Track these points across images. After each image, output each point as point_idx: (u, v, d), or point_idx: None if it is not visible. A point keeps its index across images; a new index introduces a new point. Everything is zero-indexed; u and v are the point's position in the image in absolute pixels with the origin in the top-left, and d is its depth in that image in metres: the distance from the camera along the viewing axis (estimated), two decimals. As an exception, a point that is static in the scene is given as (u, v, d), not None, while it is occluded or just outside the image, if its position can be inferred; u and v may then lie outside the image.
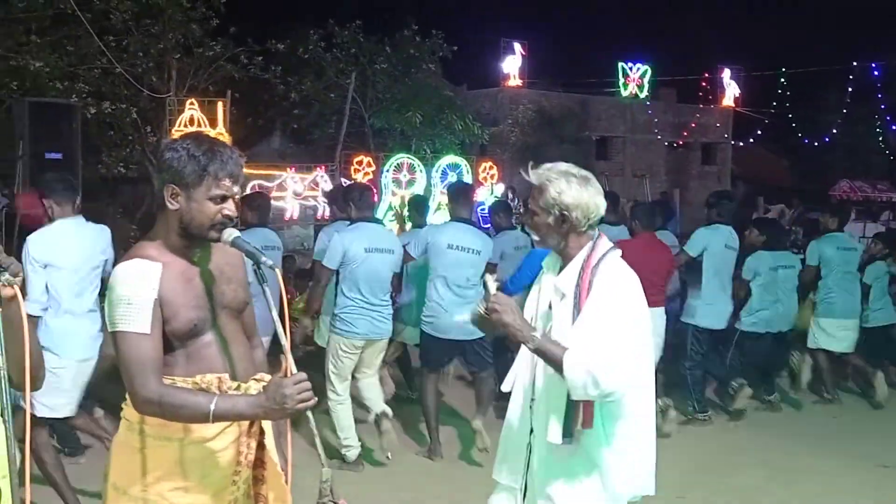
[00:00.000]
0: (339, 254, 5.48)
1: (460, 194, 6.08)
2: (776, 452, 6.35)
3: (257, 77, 17.33)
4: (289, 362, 2.29)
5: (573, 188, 2.73)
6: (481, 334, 4.73)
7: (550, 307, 2.82)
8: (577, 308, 2.69)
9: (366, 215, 5.71)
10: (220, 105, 14.75)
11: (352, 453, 5.63)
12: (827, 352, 7.72)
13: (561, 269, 2.84)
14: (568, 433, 2.69)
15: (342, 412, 5.63)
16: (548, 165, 2.81)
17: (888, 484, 5.74)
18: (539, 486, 2.82)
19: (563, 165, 2.81)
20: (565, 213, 2.73)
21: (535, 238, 2.88)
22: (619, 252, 2.82)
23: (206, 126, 14.26)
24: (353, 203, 5.72)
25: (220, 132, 14.53)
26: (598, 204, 2.76)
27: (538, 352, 2.69)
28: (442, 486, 5.44)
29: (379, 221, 6.14)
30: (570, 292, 2.73)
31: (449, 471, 5.75)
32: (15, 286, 1.99)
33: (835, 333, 7.66)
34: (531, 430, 2.86)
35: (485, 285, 2.79)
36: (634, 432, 2.78)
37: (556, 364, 2.65)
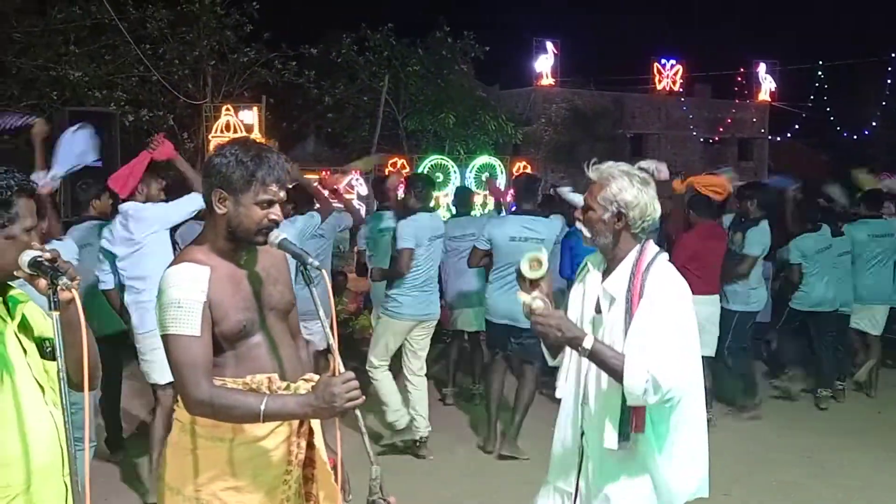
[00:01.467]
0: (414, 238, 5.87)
1: (524, 187, 6.27)
2: (817, 448, 6.31)
3: (291, 82, 17.45)
4: (337, 361, 2.32)
5: (634, 187, 2.73)
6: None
7: (598, 310, 2.81)
8: (630, 313, 2.68)
9: (425, 206, 6.06)
10: (255, 110, 14.92)
11: (401, 422, 5.83)
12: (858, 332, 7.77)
13: (606, 270, 2.84)
14: (625, 437, 2.69)
15: (385, 381, 5.88)
16: (609, 163, 2.81)
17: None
18: (594, 490, 2.82)
19: (624, 165, 2.81)
20: (623, 210, 2.72)
21: (586, 234, 2.84)
22: (666, 256, 2.81)
23: (242, 131, 14.44)
24: (414, 194, 6.01)
25: (256, 137, 14.69)
26: (656, 207, 2.76)
27: (592, 357, 2.69)
28: (482, 485, 5.48)
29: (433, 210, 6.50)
30: (622, 296, 2.71)
31: (491, 468, 5.78)
32: (73, 290, 2.05)
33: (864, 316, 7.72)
34: (582, 433, 2.87)
35: (524, 305, 2.72)
36: (686, 434, 2.78)
37: (611, 369, 2.65)
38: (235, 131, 14.30)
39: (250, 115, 14.89)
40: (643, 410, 2.68)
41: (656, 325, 2.63)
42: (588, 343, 2.65)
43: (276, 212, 2.46)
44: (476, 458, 6.02)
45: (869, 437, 6.63)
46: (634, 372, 2.59)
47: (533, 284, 2.74)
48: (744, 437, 6.59)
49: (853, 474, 5.76)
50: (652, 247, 2.80)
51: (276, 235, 2.46)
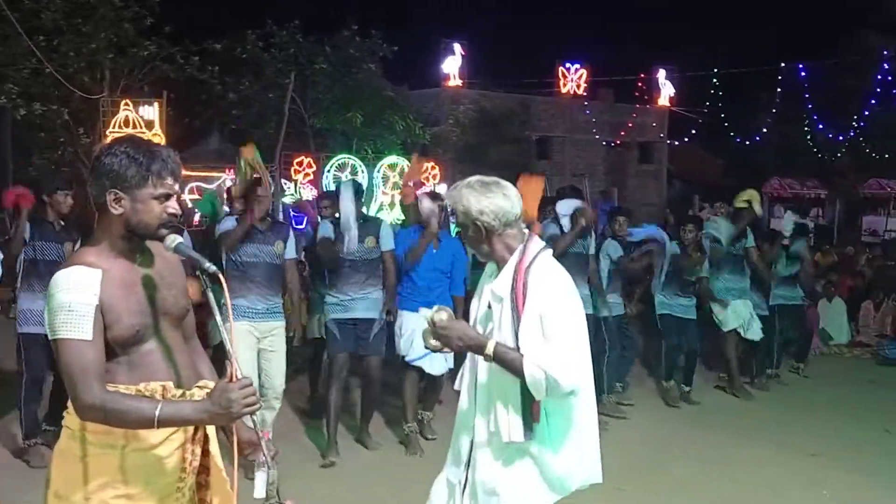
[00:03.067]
0: None
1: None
2: (710, 444, 6.56)
3: (194, 77, 17.09)
4: (234, 367, 2.31)
5: (473, 196, 2.88)
6: None
7: (490, 308, 2.92)
8: (516, 312, 2.79)
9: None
10: (156, 105, 14.53)
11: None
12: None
13: (496, 274, 2.94)
14: (529, 429, 2.79)
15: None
16: (455, 185, 2.98)
17: (818, 472, 5.97)
18: (480, 481, 2.89)
19: (466, 180, 2.96)
20: (477, 221, 2.87)
21: (475, 253, 3.04)
22: (549, 251, 2.93)
23: (141, 127, 14.05)
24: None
25: (157, 133, 14.33)
26: (503, 205, 2.87)
27: (496, 360, 2.80)
28: (382, 485, 5.49)
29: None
30: (507, 296, 2.82)
31: (397, 468, 5.80)
32: None
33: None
34: (474, 426, 2.93)
35: (428, 321, 2.88)
36: (577, 421, 2.88)
37: (514, 370, 2.75)
38: (135, 127, 13.90)
39: (151, 111, 14.52)
40: (539, 402, 2.79)
41: (545, 322, 2.75)
42: (490, 349, 2.78)
43: (173, 205, 2.44)
44: (373, 458, 6.03)
45: (758, 432, 6.93)
46: (533, 371, 2.70)
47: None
48: (642, 431, 6.82)
49: (751, 470, 5.99)
50: (535, 245, 2.91)
51: (173, 239, 2.43)
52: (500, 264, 2.92)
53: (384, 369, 6.28)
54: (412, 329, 5.92)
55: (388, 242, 6.06)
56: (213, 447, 2.49)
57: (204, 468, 2.52)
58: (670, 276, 7.58)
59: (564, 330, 2.75)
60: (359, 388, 6.70)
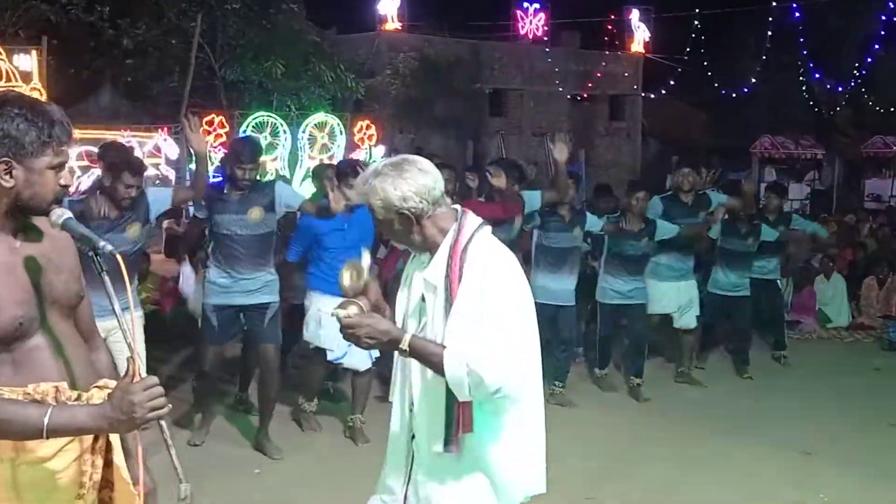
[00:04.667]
0: None
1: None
2: (692, 441, 6.72)
3: (80, 20, 16.75)
4: (136, 365, 2.31)
5: (388, 183, 2.85)
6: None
7: (423, 300, 2.94)
8: (450, 300, 2.80)
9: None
10: (34, 54, 14.22)
11: None
12: None
13: (429, 260, 2.95)
14: (448, 440, 2.82)
15: None
16: (360, 177, 2.98)
17: (810, 471, 6.16)
18: (422, 495, 2.94)
19: (370, 169, 2.96)
20: (403, 211, 2.86)
21: (402, 248, 3.02)
22: (489, 229, 2.94)
23: (16, 80, 13.74)
24: None
25: (35, 87, 14.04)
26: (425, 182, 2.87)
27: (413, 355, 2.81)
28: (318, 490, 5.56)
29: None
30: (441, 284, 2.84)
31: (327, 475, 5.85)
32: None
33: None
34: (413, 437, 2.98)
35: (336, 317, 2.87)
36: (521, 427, 2.93)
37: (434, 365, 2.77)
38: (8, 80, 13.59)
39: (27, 61, 14.18)
40: (469, 409, 2.81)
41: (476, 309, 2.76)
42: (405, 343, 2.78)
43: (65, 175, 2.45)
44: (305, 464, 6.08)
45: (745, 427, 7.12)
46: (453, 365, 2.71)
47: (358, 296, 2.90)
48: (609, 431, 6.95)
49: (729, 468, 6.16)
50: (471, 222, 2.92)
51: (59, 214, 2.42)
52: (434, 250, 2.92)
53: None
54: (321, 314, 6.07)
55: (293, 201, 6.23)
56: (118, 457, 2.49)
57: (107, 482, 2.52)
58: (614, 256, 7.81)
59: (498, 318, 2.75)
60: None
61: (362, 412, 6.52)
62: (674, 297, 8.22)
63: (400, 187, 2.84)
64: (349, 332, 2.80)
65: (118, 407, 2.26)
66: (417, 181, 2.86)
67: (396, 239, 3.04)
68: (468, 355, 2.70)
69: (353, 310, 2.83)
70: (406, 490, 3.00)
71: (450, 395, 2.78)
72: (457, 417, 2.80)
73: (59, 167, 2.41)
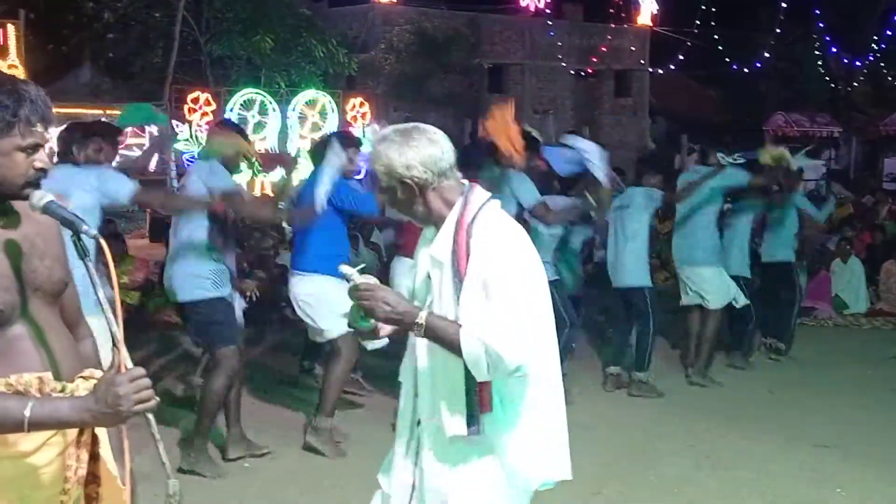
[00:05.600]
0: None
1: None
2: (704, 436, 6.73)
3: (58, -8, 16.72)
4: (122, 355, 2.30)
5: (394, 150, 2.87)
6: None
7: (429, 277, 2.96)
8: (458, 276, 2.81)
9: None
10: (10, 28, 14.19)
11: None
12: None
13: (435, 236, 2.97)
14: (474, 420, 2.82)
15: None
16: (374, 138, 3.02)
17: (827, 465, 6.17)
18: (429, 484, 2.94)
19: (379, 133, 2.98)
20: (406, 180, 2.88)
21: (406, 219, 3.04)
22: (497, 203, 2.96)
23: (-8, 56, 13.72)
24: None
25: (12, 63, 14.01)
26: (432, 153, 2.89)
27: (428, 333, 2.81)
28: (306, 493, 5.54)
29: None
30: (448, 259, 2.85)
31: (318, 472, 5.85)
32: None
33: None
34: (419, 422, 2.99)
35: (345, 277, 2.88)
36: (541, 408, 2.93)
37: (450, 344, 2.77)
38: (-17, 56, 13.57)
39: (3, 36, 14.16)
40: (489, 387, 2.82)
41: (489, 286, 2.77)
42: (422, 318, 2.79)
43: (41, 158, 2.43)
44: (300, 462, 6.08)
45: (759, 421, 7.13)
46: (471, 343, 2.72)
47: None
48: (619, 425, 6.96)
49: (742, 463, 6.17)
50: (478, 195, 2.94)
51: (41, 196, 2.41)
52: (439, 224, 2.94)
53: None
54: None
55: None
56: (105, 451, 2.49)
57: (93, 477, 2.52)
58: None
59: (512, 294, 2.76)
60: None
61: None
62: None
63: (405, 154, 2.87)
64: (365, 296, 2.81)
65: (103, 399, 2.25)
66: (424, 150, 2.88)
67: (399, 208, 3.03)
68: (485, 333, 2.72)
69: (370, 278, 2.87)
70: (414, 479, 3.01)
71: (468, 375, 2.79)
72: (478, 396, 2.82)
73: (31, 149, 2.39)
